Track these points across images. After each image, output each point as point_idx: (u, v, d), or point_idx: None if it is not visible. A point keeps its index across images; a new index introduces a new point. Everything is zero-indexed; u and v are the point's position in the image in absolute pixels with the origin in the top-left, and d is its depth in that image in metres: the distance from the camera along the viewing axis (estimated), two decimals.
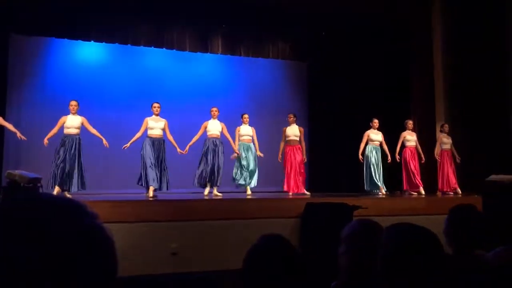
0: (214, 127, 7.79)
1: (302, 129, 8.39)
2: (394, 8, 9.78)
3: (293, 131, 8.27)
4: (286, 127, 8.36)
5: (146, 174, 7.13)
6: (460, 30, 9.51)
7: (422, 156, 8.77)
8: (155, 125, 7.36)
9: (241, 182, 8.04)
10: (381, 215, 5.69)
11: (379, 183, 8.43)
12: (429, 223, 1.52)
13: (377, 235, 1.69)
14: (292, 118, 8.32)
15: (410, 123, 8.88)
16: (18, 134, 6.76)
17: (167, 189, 7.26)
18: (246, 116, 8.27)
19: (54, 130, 6.94)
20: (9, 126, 6.81)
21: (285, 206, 6.28)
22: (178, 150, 7.40)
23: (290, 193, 8.08)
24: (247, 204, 6.39)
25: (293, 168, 8.15)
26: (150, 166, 7.13)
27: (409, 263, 1.38)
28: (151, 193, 6.97)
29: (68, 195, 6.41)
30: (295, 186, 8.15)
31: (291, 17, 9.96)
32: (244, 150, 8.08)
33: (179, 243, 5.29)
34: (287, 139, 8.30)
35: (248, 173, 8.01)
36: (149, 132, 7.36)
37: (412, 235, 1.40)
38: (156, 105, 7.46)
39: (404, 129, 8.83)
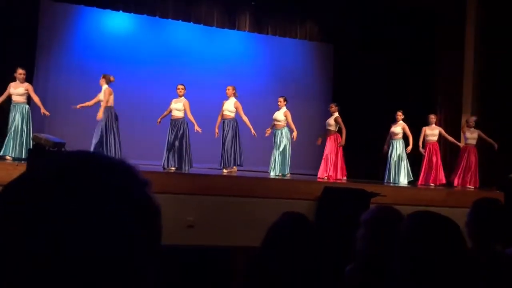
0: (226, 106, 7.69)
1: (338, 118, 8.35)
2: None
3: (329, 120, 8.36)
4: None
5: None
6: (495, 19, 9.18)
7: (454, 142, 8.60)
8: (174, 106, 7.43)
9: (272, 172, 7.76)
10: (399, 204, 5.64)
11: (396, 179, 8.30)
12: (448, 216, 1.49)
13: (397, 221, 1.68)
14: (333, 108, 8.38)
15: (431, 118, 8.65)
16: (42, 109, 6.96)
17: (188, 169, 7.31)
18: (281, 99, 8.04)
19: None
20: (36, 99, 7.01)
21: (303, 188, 6.28)
22: (196, 128, 7.41)
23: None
24: (265, 184, 6.41)
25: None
26: (166, 147, 7.33)
27: (428, 251, 1.37)
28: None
29: None
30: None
31: None
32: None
33: (197, 216, 5.36)
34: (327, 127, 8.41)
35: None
36: (171, 113, 7.46)
37: (435, 224, 1.39)
38: (179, 86, 7.46)
39: (427, 124, 8.66)
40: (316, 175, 8.47)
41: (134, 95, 8.70)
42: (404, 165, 8.36)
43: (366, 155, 9.78)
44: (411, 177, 8.40)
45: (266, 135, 7.91)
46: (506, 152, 8.64)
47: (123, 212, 0.54)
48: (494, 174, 8.34)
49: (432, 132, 8.61)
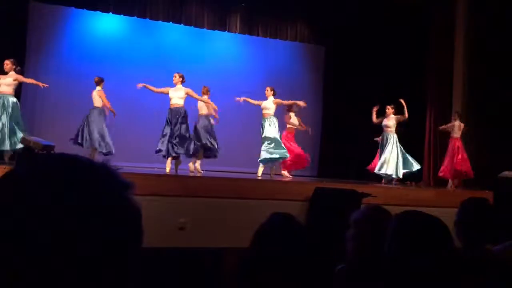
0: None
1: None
2: None
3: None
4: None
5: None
6: (484, 16, 9.25)
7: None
8: (174, 95, 7.28)
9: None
10: (390, 204, 5.66)
11: (386, 171, 8.28)
12: (438, 216, 1.50)
13: (386, 221, 1.69)
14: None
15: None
16: (40, 84, 6.88)
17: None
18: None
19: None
20: (30, 81, 6.88)
21: (294, 189, 6.29)
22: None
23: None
24: (257, 185, 6.41)
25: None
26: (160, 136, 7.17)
27: (418, 250, 1.38)
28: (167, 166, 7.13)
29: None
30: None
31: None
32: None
33: (188, 218, 5.34)
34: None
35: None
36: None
37: (423, 224, 1.40)
38: (174, 74, 7.38)
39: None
40: (307, 175, 8.51)
41: (124, 97, 8.67)
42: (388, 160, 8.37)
43: (357, 154, 9.83)
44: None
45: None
46: (496, 152, 8.71)
47: (123, 212, 0.54)
48: (483, 174, 8.40)
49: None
